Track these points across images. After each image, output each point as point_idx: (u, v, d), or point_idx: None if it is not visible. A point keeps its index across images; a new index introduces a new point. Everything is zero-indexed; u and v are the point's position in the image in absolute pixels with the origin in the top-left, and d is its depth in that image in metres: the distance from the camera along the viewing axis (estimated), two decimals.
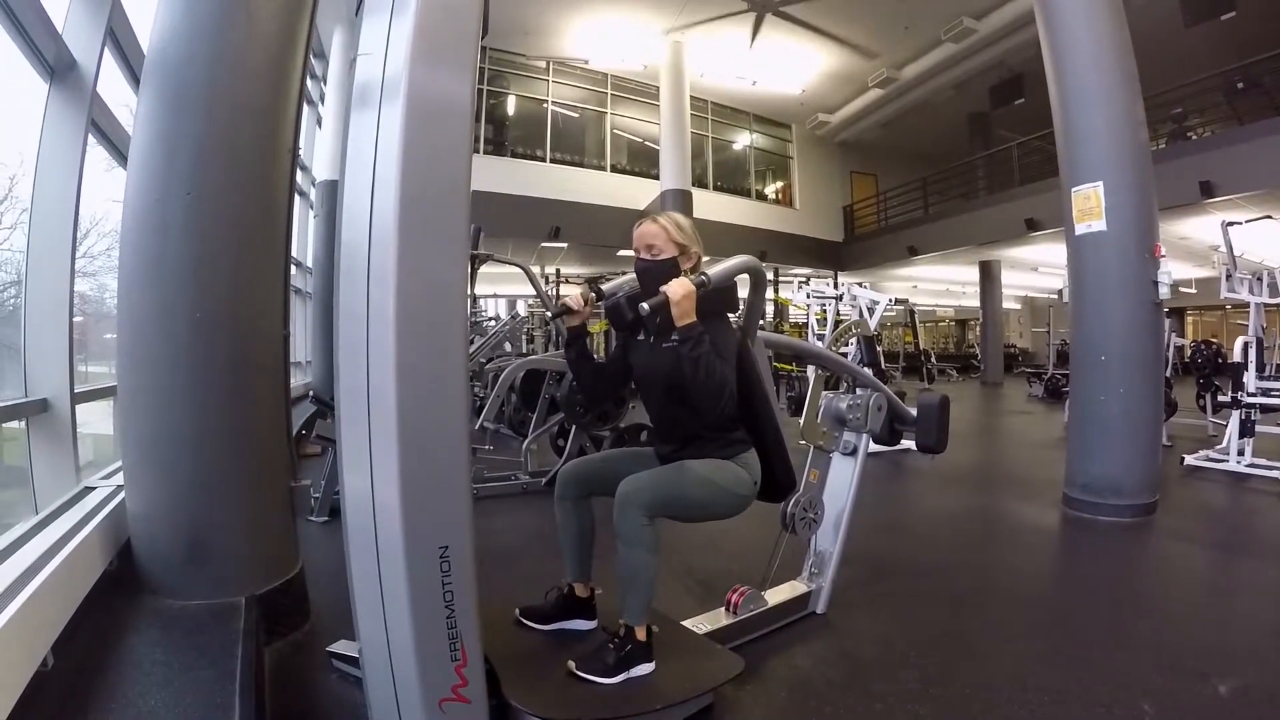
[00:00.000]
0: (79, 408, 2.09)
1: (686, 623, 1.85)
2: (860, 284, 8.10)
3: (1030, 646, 1.97)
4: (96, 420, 2.64)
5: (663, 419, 1.74)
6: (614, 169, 12.48)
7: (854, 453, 2.23)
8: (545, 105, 11.91)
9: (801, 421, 2.13)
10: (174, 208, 1.75)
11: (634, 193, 11.62)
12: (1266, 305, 4.89)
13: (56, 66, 2.00)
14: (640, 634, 1.55)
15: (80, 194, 2.06)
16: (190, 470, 1.78)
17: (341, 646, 1.73)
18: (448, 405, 1.21)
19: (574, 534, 1.73)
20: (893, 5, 9.47)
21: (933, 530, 3.37)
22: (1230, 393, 4.67)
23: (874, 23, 9.97)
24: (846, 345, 5.75)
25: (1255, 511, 3.72)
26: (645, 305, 1.49)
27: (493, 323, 8.82)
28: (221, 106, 1.82)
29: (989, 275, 14.28)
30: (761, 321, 2.19)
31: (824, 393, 2.20)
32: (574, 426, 3.88)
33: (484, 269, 4.81)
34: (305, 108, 3.71)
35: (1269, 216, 5.21)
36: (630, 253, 1.73)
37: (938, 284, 18.01)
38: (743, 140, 14.26)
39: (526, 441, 4.07)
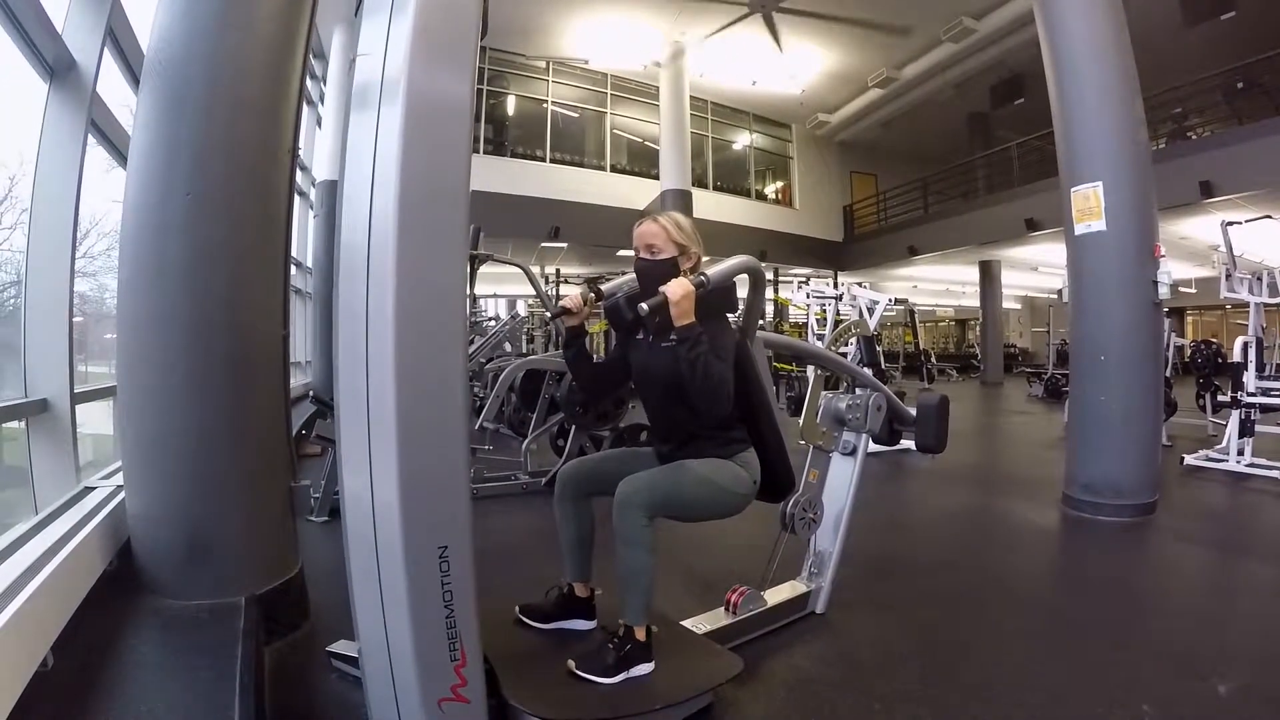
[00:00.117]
0: (79, 408, 2.09)
1: (686, 623, 1.85)
2: (860, 284, 8.12)
3: (1030, 646, 1.97)
4: (96, 420, 2.64)
5: (662, 419, 1.74)
6: (614, 169, 12.49)
7: (853, 453, 2.23)
8: (545, 105, 11.92)
9: (801, 421, 2.13)
10: (174, 208, 1.75)
11: (634, 193, 11.62)
12: (1266, 305, 4.89)
13: (56, 67, 2.00)
14: (640, 634, 1.55)
15: (80, 194, 2.05)
16: (190, 470, 1.78)
17: (341, 646, 1.73)
18: (447, 405, 1.21)
19: (574, 534, 1.73)
20: (893, 5, 9.47)
21: (932, 530, 3.37)
22: (1230, 392, 4.67)
23: (873, 24, 9.97)
24: (846, 345, 5.74)
25: (1255, 511, 3.72)
26: (644, 305, 1.49)
27: (492, 323, 8.82)
28: (221, 107, 1.82)
29: (989, 275, 14.28)
30: (761, 321, 2.19)
31: (823, 393, 2.20)
32: (573, 426, 3.88)
33: (484, 269, 4.81)
34: (305, 108, 3.72)
35: (1269, 216, 5.21)
36: (630, 253, 1.73)
37: (938, 284, 18.00)
38: (742, 140, 14.26)
39: (526, 441, 4.07)
